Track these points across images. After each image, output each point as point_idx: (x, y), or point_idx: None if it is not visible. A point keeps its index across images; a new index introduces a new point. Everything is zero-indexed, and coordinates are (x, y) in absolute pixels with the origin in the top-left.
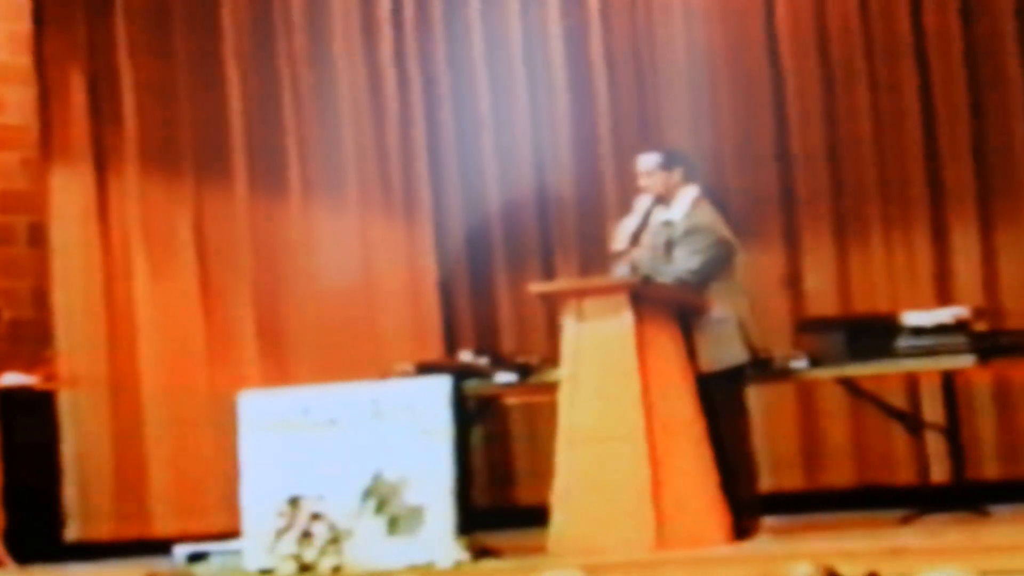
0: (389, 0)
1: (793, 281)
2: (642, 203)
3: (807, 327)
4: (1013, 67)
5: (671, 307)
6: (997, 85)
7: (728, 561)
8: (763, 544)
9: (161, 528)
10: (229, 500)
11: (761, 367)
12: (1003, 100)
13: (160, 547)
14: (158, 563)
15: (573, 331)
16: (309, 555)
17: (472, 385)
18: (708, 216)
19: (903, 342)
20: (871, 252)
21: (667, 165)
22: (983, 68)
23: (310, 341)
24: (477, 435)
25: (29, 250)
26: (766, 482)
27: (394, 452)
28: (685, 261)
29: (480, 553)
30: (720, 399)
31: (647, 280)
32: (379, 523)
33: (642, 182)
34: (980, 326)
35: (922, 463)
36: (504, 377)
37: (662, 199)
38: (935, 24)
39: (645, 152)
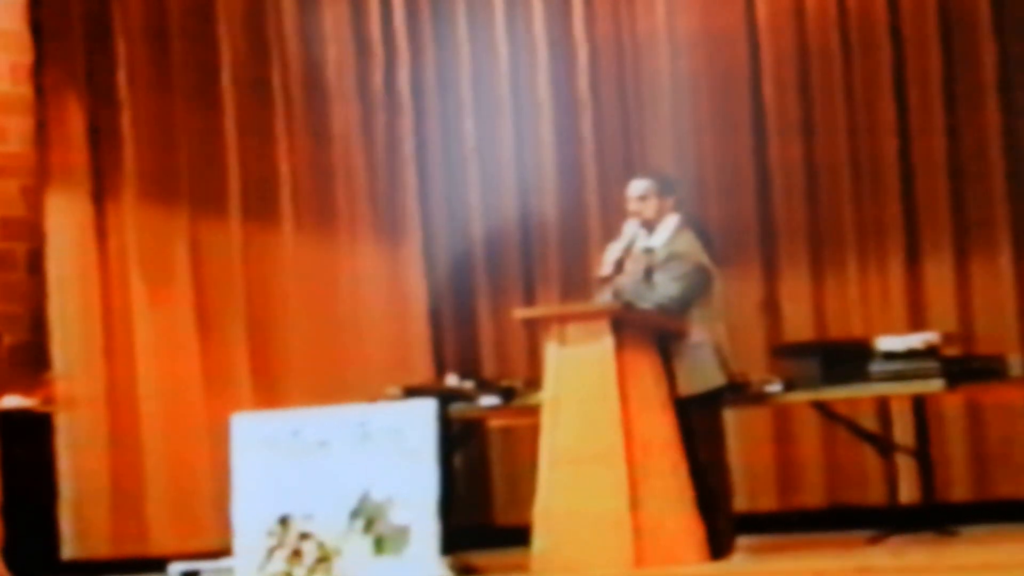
0: (380, 33)
1: (771, 307)
2: (630, 228)
3: (783, 352)
4: (990, 102)
5: (651, 332)
6: (973, 121)
7: None
8: (738, 563)
9: (157, 546)
10: (223, 519)
11: (738, 391)
12: (978, 135)
13: (155, 565)
14: None
15: (556, 355)
16: (299, 573)
17: (457, 408)
18: (688, 244)
19: (875, 367)
20: (846, 279)
21: (663, 191)
22: (960, 102)
23: (301, 365)
24: (461, 457)
25: (28, 276)
26: (741, 502)
27: (381, 473)
28: (666, 288)
29: (463, 571)
30: (697, 422)
31: (628, 306)
32: (366, 542)
33: (633, 207)
34: (950, 351)
35: (892, 484)
36: (488, 400)
37: (648, 225)
38: (914, 59)
39: (637, 177)
